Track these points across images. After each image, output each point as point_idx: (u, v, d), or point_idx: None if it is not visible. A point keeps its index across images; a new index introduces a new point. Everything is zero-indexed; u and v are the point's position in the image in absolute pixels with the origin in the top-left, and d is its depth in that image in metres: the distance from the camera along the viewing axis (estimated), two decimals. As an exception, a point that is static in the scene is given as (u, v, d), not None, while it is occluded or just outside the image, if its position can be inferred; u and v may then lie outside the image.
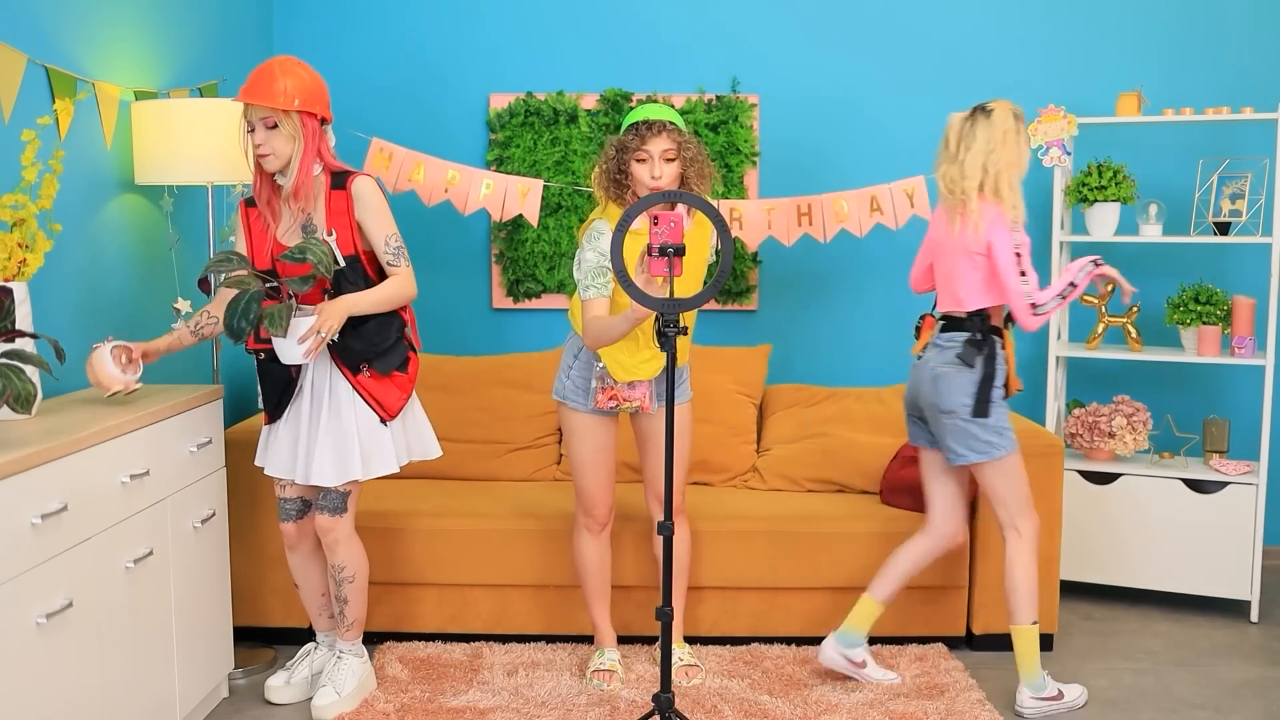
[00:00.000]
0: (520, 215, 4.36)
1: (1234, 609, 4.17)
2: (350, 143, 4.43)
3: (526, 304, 4.60)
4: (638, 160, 3.17)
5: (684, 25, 4.57)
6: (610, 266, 3.09)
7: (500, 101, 4.54)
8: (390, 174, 4.18)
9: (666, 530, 2.80)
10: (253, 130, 3.00)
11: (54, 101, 3.01)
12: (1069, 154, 4.13)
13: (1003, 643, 3.75)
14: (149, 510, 2.81)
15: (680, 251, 2.74)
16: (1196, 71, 4.51)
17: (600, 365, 3.28)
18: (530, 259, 4.55)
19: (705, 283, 3.51)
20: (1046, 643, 3.78)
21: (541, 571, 3.71)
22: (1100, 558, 4.17)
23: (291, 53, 4.58)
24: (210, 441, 3.16)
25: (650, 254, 2.75)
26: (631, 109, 3.19)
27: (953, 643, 3.80)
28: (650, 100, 3.21)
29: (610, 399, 3.28)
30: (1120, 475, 4.14)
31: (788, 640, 3.77)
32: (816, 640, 3.75)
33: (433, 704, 3.28)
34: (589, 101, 4.52)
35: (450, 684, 3.43)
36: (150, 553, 2.80)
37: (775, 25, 4.57)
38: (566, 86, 4.54)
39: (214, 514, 3.19)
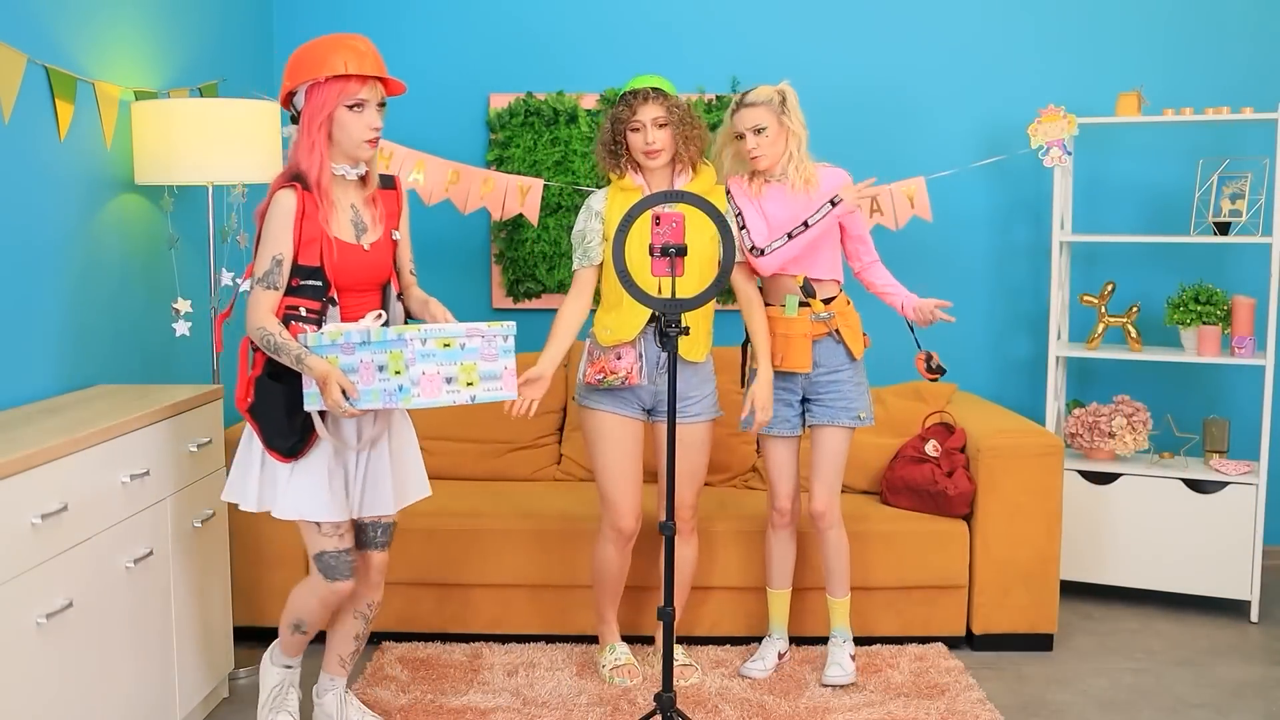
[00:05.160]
0: (520, 215, 4.36)
1: (1234, 609, 4.17)
2: (350, 143, 4.43)
3: (526, 304, 4.60)
4: (631, 130, 3.23)
5: (684, 25, 4.56)
6: (587, 233, 3.29)
7: (500, 101, 4.54)
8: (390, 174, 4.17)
9: (668, 530, 2.80)
10: (359, 107, 2.68)
11: (55, 101, 3.01)
12: (1069, 154, 4.13)
13: (1003, 643, 3.75)
14: (149, 510, 2.81)
15: (682, 252, 2.76)
16: (1196, 71, 4.51)
17: (590, 340, 3.34)
18: (530, 259, 4.55)
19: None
20: (1046, 643, 3.78)
21: (541, 571, 3.70)
22: (1100, 558, 4.16)
23: (290, 53, 4.56)
24: (210, 441, 3.16)
25: (652, 254, 2.77)
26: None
27: (953, 643, 3.80)
28: (639, 79, 3.29)
29: (598, 371, 3.26)
30: (1120, 475, 4.14)
31: (788, 640, 3.76)
32: (817, 640, 3.75)
33: (433, 704, 3.28)
34: (589, 101, 4.51)
35: (450, 684, 3.43)
36: (150, 553, 2.80)
37: (775, 24, 4.56)
38: (566, 86, 4.54)
39: (214, 514, 3.19)
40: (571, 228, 3.38)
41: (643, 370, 3.27)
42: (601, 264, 3.31)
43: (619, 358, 3.25)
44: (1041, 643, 3.78)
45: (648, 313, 3.22)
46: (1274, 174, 4.10)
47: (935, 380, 3.42)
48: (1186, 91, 4.45)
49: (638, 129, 3.22)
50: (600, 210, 3.30)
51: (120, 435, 2.66)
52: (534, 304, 4.61)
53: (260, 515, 3.66)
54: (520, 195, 4.22)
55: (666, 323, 2.75)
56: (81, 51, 3.17)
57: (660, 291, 3.12)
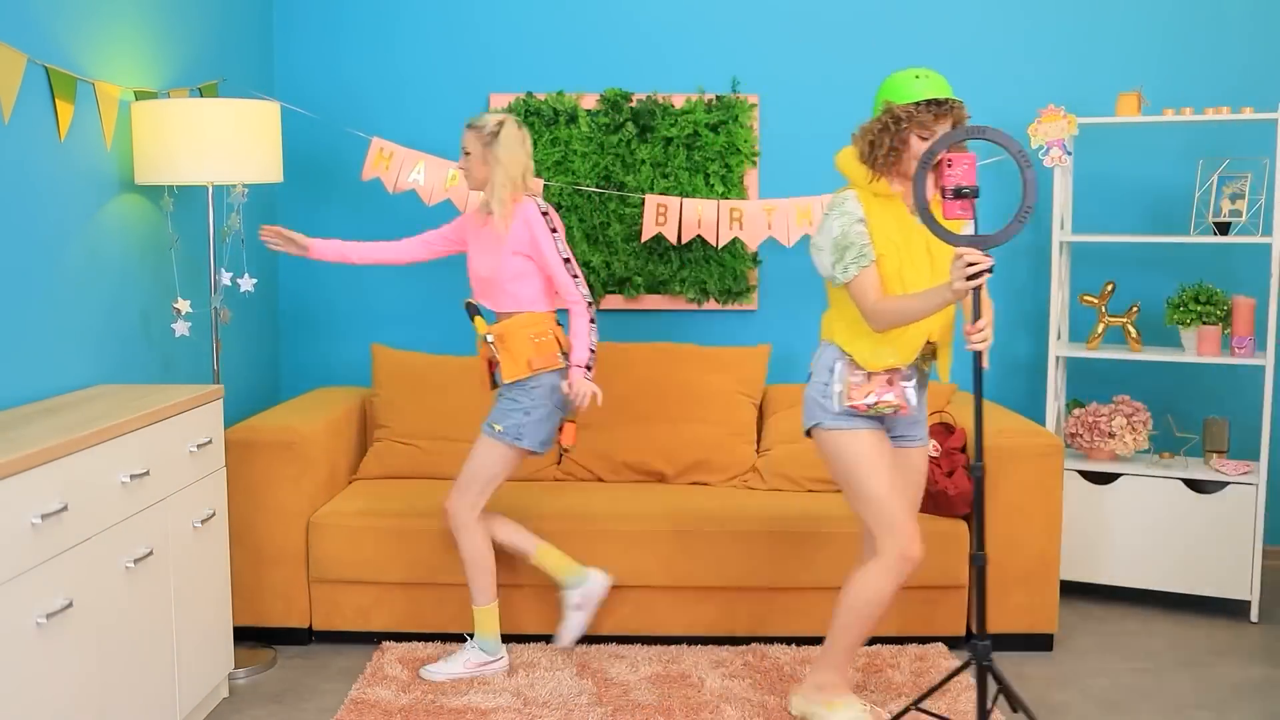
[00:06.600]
0: (520, 215, 4.35)
1: (1234, 609, 4.17)
2: (350, 142, 4.44)
3: (526, 304, 4.60)
4: (921, 137, 2.90)
5: (684, 25, 4.57)
6: (852, 235, 2.91)
7: (500, 101, 4.54)
8: (390, 174, 4.18)
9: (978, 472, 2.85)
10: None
11: (55, 101, 3.01)
12: (1069, 154, 4.13)
13: (1003, 643, 3.75)
14: (149, 510, 2.81)
15: (975, 193, 2.76)
16: (1196, 71, 4.51)
17: (847, 360, 2.99)
18: (530, 259, 4.55)
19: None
20: (1046, 643, 3.78)
21: (542, 571, 3.70)
22: (1100, 558, 4.16)
23: (290, 53, 4.58)
24: (210, 441, 3.16)
25: (944, 197, 2.78)
26: (896, 74, 2.97)
27: (953, 643, 3.80)
28: (920, 74, 2.93)
29: (866, 395, 2.94)
30: (1120, 475, 4.14)
31: (788, 640, 3.77)
32: (817, 640, 3.75)
33: (433, 704, 3.28)
34: (589, 101, 4.52)
35: (450, 684, 3.43)
36: (150, 553, 2.80)
37: (775, 25, 4.57)
38: (566, 86, 4.54)
39: (214, 514, 3.19)
40: (814, 240, 3.03)
41: (916, 395, 3.02)
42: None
43: (890, 384, 2.96)
44: (1041, 643, 3.78)
45: (924, 337, 2.97)
46: (1274, 174, 4.10)
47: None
48: (1186, 91, 4.45)
49: (927, 138, 2.90)
50: (862, 215, 2.94)
51: (120, 435, 2.66)
52: (534, 304, 4.60)
53: (259, 516, 3.68)
54: (520, 195, 4.21)
55: (970, 263, 2.71)
56: (81, 51, 3.17)
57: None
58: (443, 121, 4.56)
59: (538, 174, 4.47)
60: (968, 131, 2.74)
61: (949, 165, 2.76)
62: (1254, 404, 4.33)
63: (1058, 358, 4.35)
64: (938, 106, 2.88)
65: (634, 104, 4.49)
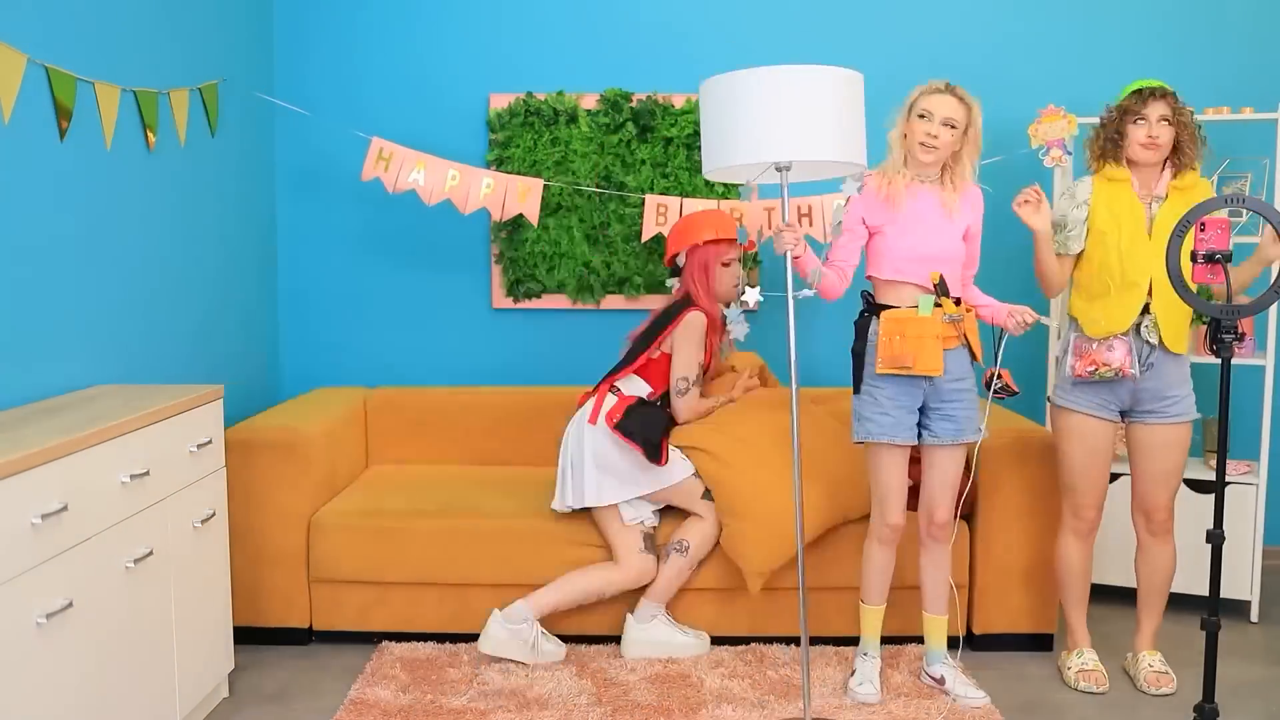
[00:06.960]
0: (520, 215, 4.36)
1: (1234, 609, 4.17)
2: (351, 142, 4.43)
3: (526, 304, 4.60)
4: (1134, 123, 3.36)
5: (684, 25, 4.57)
6: (1068, 221, 3.43)
7: (500, 101, 4.54)
8: (390, 174, 4.18)
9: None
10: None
11: (55, 101, 3.01)
12: (1069, 154, 4.13)
13: (1003, 643, 3.75)
14: (149, 510, 2.81)
15: (1228, 258, 2.81)
16: (1196, 71, 4.51)
17: (1075, 335, 3.40)
18: (530, 259, 4.56)
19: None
20: (1046, 643, 3.78)
21: (541, 571, 3.70)
22: (1100, 558, 4.15)
23: (293, 53, 4.58)
24: (210, 441, 3.16)
25: (1195, 261, 2.82)
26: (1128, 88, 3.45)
27: (953, 643, 3.79)
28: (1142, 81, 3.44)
29: (1089, 364, 3.33)
30: (1120, 475, 4.14)
31: (788, 640, 3.77)
32: (815, 640, 3.75)
33: (433, 704, 3.28)
34: (589, 101, 4.52)
35: (450, 684, 3.43)
36: (150, 553, 2.80)
37: (775, 25, 4.56)
38: (566, 86, 4.54)
39: (214, 514, 3.19)
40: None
41: (1134, 363, 3.33)
42: (1079, 254, 3.44)
43: (1110, 349, 3.33)
44: (1041, 643, 3.78)
45: (1140, 304, 3.32)
46: (1274, 174, 4.10)
47: (1001, 399, 3.32)
48: (1186, 91, 4.41)
49: (1141, 123, 3.35)
50: (1086, 199, 3.41)
51: (120, 435, 2.66)
52: (534, 304, 4.60)
53: (259, 516, 3.68)
54: (520, 195, 4.22)
55: (1224, 329, 2.79)
56: (81, 51, 3.17)
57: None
58: (443, 121, 4.56)
59: (538, 174, 4.47)
60: (1224, 201, 2.82)
61: (1202, 230, 2.83)
62: (1254, 404, 4.33)
63: (1057, 358, 4.34)
64: (1138, 94, 3.35)
65: (634, 104, 4.49)
